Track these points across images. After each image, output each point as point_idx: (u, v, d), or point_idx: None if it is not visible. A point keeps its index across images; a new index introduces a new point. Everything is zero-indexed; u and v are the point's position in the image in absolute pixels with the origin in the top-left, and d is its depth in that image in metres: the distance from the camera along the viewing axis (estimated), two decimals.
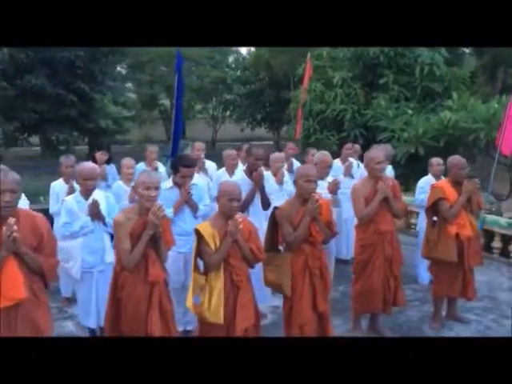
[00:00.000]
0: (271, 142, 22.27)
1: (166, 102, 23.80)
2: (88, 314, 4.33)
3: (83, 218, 4.20)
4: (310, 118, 11.27)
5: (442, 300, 5.00)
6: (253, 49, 22.17)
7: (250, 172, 4.85)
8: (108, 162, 6.40)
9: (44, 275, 2.97)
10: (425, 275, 5.85)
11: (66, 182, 5.30)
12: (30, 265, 2.88)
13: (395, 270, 4.46)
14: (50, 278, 3.02)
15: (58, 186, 5.35)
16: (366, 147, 5.88)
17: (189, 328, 4.43)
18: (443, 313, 5.07)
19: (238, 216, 3.42)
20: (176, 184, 4.45)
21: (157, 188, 3.34)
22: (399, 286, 4.55)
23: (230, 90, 22.84)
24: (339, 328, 4.75)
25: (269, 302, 4.98)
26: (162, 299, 3.36)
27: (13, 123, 15.70)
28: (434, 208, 4.81)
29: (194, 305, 3.43)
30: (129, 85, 23.89)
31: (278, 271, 3.79)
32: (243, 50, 24.36)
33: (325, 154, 5.21)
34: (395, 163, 9.03)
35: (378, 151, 4.49)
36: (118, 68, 22.24)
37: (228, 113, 24.70)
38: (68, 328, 4.97)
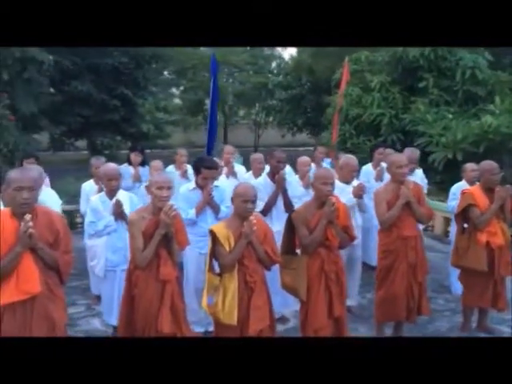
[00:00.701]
0: (312, 148, 22.04)
1: None
2: (111, 312, 4.42)
3: (107, 217, 4.31)
4: (346, 122, 11.12)
5: (471, 310, 4.83)
6: (294, 54, 22.12)
7: (272, 175, 4.84)
8: (143, 164, 6.53)
9: (59, 271, 3.06)
10: (457, 285, 5.61)
11: (97, 182, 5.44)
12: (46, 260, 2.97)
13: (419, 277, 4.31)
14: (65, 273, 3.10)
15: (89, 186, 5.51)
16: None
17: (210, 329, 4.44)
18: (473, 324, 4.88)
19: (253, 218, 3.41)
20: (198, 185, 4.49)
21: (169, 188, 3.38)
22: (424, 293, 4.40)
23: (272, 95, 22.85)
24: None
25: (292, 307, 4.94)
26: (174, 298, 3.38)
27: (60, 127, 16.24)
28: (464, 215, 4.64)
29: (208, 305, 3.44)
30: (173, 90, 24.29)
31: (294, 274, 3.75)
32: (285, 55, 24.34)
33: (350, 158, 5.10)
34: (432, 169, 8.81)
35: (400, 155, 4.37)
36: (166, 74, 22.65)
37: (271, 118, 24.66)
38: (94, 325, 5.09)
